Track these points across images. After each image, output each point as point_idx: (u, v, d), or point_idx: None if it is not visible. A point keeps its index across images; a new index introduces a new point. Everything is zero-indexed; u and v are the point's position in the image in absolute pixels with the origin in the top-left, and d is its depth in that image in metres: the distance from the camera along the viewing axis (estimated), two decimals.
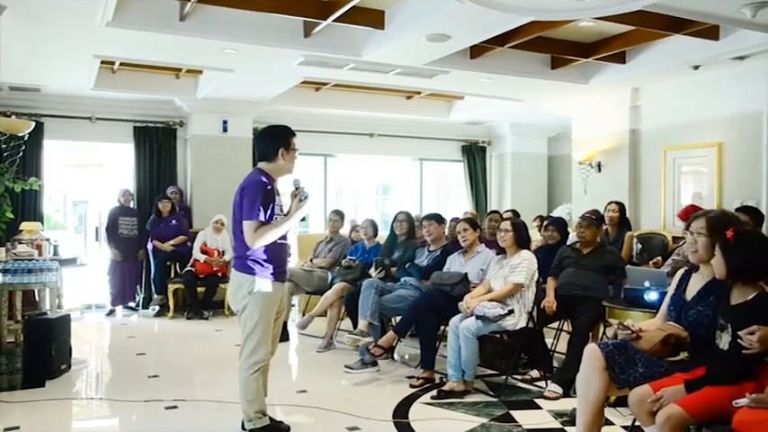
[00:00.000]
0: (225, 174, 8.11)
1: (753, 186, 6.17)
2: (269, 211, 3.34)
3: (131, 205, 7.83)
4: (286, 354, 5.81)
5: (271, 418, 3.53)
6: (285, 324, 6.25)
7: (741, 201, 5.91)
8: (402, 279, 5.33)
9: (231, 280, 3.52)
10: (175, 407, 4.12)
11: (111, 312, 7.60)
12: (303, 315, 6.45)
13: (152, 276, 7.72)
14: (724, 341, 2.54)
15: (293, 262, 6.93)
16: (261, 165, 3.49)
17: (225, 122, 8.24)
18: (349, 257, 6.15)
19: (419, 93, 8.43)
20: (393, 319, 5.48)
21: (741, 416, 2.08)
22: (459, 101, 9.01)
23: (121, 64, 6.81)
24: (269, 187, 3.35)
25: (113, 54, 6.12)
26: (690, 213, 5.08)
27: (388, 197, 11.95)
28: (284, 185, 3.58)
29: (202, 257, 7.41)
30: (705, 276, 2.82)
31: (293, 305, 6.54)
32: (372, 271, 5.53)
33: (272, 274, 3.38)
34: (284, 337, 6.15)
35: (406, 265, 5.43)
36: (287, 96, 7.88)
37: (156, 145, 8.27)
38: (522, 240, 4.57)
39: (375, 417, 3.88)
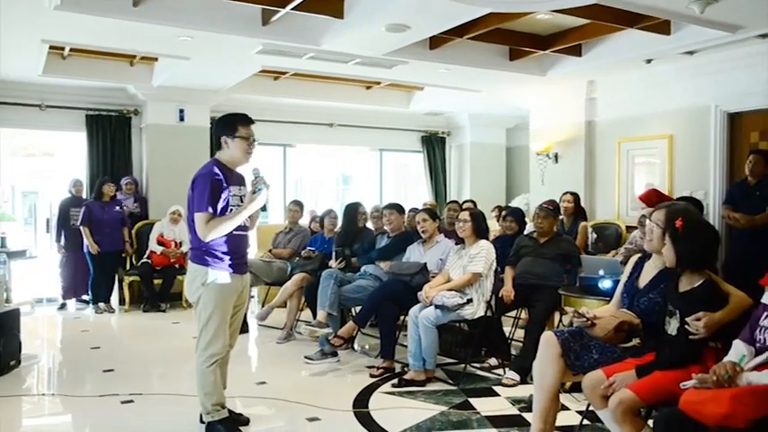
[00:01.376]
0: (182, 164, 7.94)
1: (701, 177, 6.37)
2: (222, 203, 3.27)
3: (83, 196, 7.60)
4: (245, 345, 5.76)
5: (230, 411, 3.50)
6: (245, 315, 6.20)
7: (690, 191, 6.10)
8: (362, 269, 5.34)
9: (188, 272, 3.46)
10: (131, 401, 4.05)
11: (63, 306, 7.40)
12: (262, 306, 6.41)
13: (90, 280, 7.24)
14: (672, 327, 2.63)
15: (252, 253, 6.86)
16: (216, 154, 3.44)
17: (181, 111, 8.06)
18: (308, 248, 6.13)
19: (379, 83, 8.41)
20: (353, 310, 5.49)
21: (687, 396, 2.16)
22: (418, 91, 9.03)
23: (72, 50, 6.59)
24: (218, 177, 3.26)
25: (63, 39, 5.92)
26: (652, 197, 5.24)
27: (349, 187, 11.94)
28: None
29: (159, 249, 7.27)
30: (657, 265, 2.91)
31: (252, 296, 6.49)
32: (332, 261, 5.53)
33: (229, 265, 3.32)
34: (244, 328, 6.09)
35: (368, 252, 5.44)
36: (245, 85, 7.77)
37: (110, 134, 8.04)
38: (480, 230, 4.62)
39: (335, 407, 3.89)
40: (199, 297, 3.31)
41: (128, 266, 7.53)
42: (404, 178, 11.55)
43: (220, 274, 3.29)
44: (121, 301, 7.34)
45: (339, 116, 9.65)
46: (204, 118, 8.22)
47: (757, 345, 2.22)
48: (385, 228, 5.48)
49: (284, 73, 7.75)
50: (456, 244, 4.83)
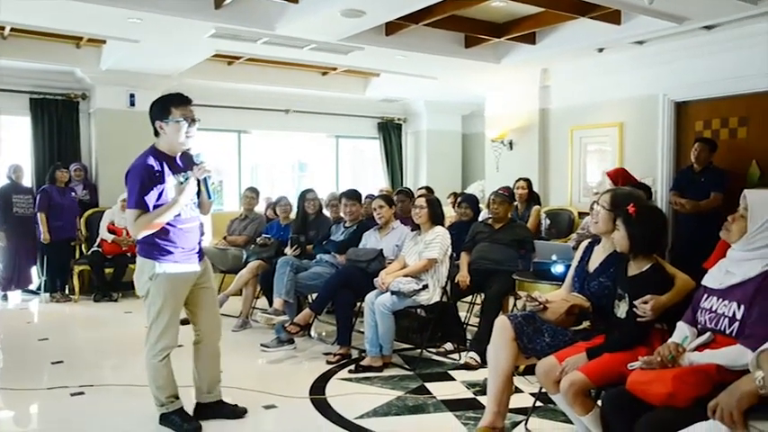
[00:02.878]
0: (133, 150, 7.45)
1: (650, 164, 6.55)
2: (159, 195, 3.07)
3: (24, 182, 7.34)
4: None
5: (225, 402, 3.51)
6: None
7: (640, 177, 6.25)
8: (317, 256, 5.32)
9: (137, 265, 3.29)
10: (82, 393, 3.96)
11: (4, 297, 7.15)
12: (218, 294, 6.32)
13: (43, 269, 7.07)
14: (621, 310, 2.70)
15: (207, 240, 6.76)
16: (154, 142, 3.22)
17: (132, 96, 7.84)
18: (264, 235, 6.07)
19: (335, 69, 8.35)
20: (309, 297, 5.47)
21: (633, 377, 2.22)
22: (374, 78, 9.01)
23: (13, 29, 6.33)
24: (152, 169, 3.06)
25: (2, 18, 5.67)
26: (619, 174, 5.38)
27: (305, 174, 11.84)
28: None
29: (110, 237, 7.09)
30: (606, 249, 2.98)
31: None
32: (288, 249, 5.49)
33: (178, 258, 3.18)
34: None
35: (323, 243, 5.42)
36: (198, 70, 7.60)
37: (56, 119, 7.78)
38: (436, 216, 4.65)
39: (292, 394, 3.88)
40: (148, 290, 3.18)
41: (77, 255, 7.32)
42: (360, 165, 11.53)
43: (168, 266, 3.15)
44: (71, 291, 7.14)
45: (295, 102, 9.55)
46: None
47: (699, 326, 2.30)
48: (342, 216, 5.46)
49: (238, 58, 7.62)
50: (412, 230, 4.85)
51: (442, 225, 4.72)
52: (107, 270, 7.09)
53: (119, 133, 7.72)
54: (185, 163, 3.26)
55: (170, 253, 3.16)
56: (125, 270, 7.14)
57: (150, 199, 3.05)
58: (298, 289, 5.06)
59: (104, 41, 6.85)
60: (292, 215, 6.22)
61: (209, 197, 3.33)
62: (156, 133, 3.19)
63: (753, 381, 1.56)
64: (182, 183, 3.16)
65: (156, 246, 3.14)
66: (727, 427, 1.59)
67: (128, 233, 7.13)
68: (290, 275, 4.98)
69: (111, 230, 7.15)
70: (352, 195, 5.44)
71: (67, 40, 6.87)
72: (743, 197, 2.23)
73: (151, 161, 3.09)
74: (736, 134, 6.07)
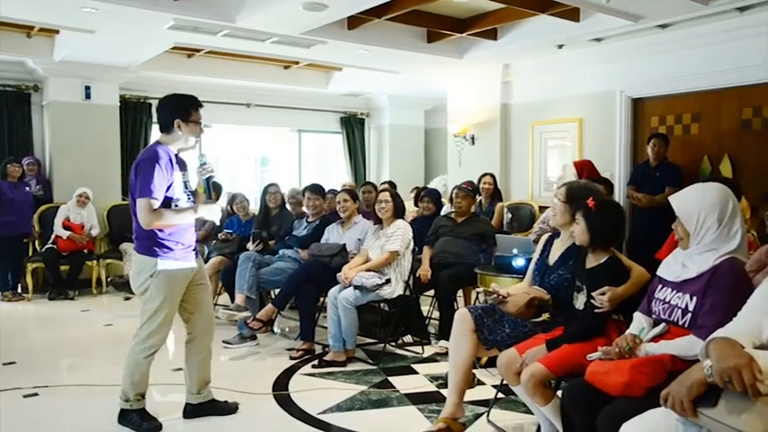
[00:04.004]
0: (89, 144, 7.61)
1: (608, 159, 6.69)
2: (168, 189, 3.11)
3: None
4: None
5: (216, 400, 3.47)
6: None
7: (600, 172, 6.38)
8: (280, 252, 5.28)
9: (133, 262, 3.28)
10: (36, 394, 3.85)
11: None
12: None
13: None
14: (580, 302, 2.75)
15: None
16: (160, 137, 3.24)
17: (87, 88, 7.63)
18: (225, 231, 5.99)
19: (297, 63, 8.28)
20: (272, 293, 5.43)
21: (592, 368, 2.27)
22: (337, 72, 8.96)
23: None
24: (165, 162, 3.08)
25: None
26: (585, 166, 5.47)
27: (267, 169, 11.73)
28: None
29: (65, 233, 6.90)
30: (565, 242, 3.04)
31: None
32: (250, 244, 5.44)
33: (179, 255, 3.18)
34: None
35: (286, 238, 5.39)
36: (157, 62, 7.44)
37: (7, 111, 7.52)
38: (399, 210, 4.67)
39: (255, 391, 3.85)
40: (146, 288, 3.15)
41: (30, 252, 7.10)
42: (323, 159, 11.48)
43: (169, 263, 3.14)
44: (24, 289, 6.93)
45: (256, 96, 9.44)
46: (113, 96, 7.84)
47: (654, 316, 2.36)
48: (305, 211, 5.43)
49: (198, 50, 7.49)
50: (374, 224, 4.85)
51: (403, 218, 4.74)
52: (63, 267, 6.91)
53: (74, 127, 7.53)
54: (183, 163, 3.30)
55: (171, 250, 3.15)
56: (82, 267, 6.98)
57: (162, 191, 3.07)
58: (260, 285, 5.02)
59: (57, 31, 6.64)
60: (253, 210, 6.15)
61: (209, 198, 3.39)
62: (165, 129, 3.21)
63: (702, 370, 1.61)
64: (185, 180, 3.24)
65: (157, 243, 3.12)
66: (677, 414, 1.64)
67: (82, 228, 7.00)
68: (252, 271, 4.94)
69: (66, 227, 6.96)
70: (316, 189, 5.42)
71: (18, 29, 6.63)
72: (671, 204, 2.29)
73: (162, 153, 3.12)
74: (689, 130, 6.24)
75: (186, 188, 3.27)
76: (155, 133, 8.61)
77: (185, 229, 3.23)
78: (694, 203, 2.22)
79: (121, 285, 6.48)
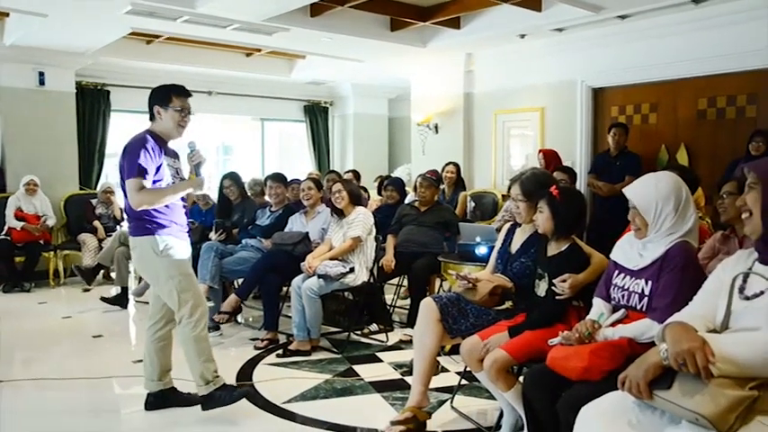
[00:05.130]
0: (43, 132, 7.38)
1: (570, 148, 6.79)
2: (156, 172, 3.12)
3: None
4: (123, 322, 5.50)
5: (178, 390, 3.42)
6: (126, 289, 5.93)
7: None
8: (243, 241, 5.23)
9: (132, 248, 3.25)
10: None
11: None
12: (140, 282, 6.13)
13: None
14: (541, 289, 2.79)
15: (125, 225, 6.51)
16: (150, 126, 3.27)
17: (41, 74, 7.38)
18: (187, 220, 5.88)
19: (259, 50, 8.17)
20: (235, 282, 5.38)
21: (552, 353, 2.31)
22: (300, 60, 8.87)
23: None
24: (152, 145, 3.12)
25: None
26: (552, 155, 5.53)
27: (230, 158, 11.58)
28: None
29: (19, 224, 6.70)
30: (527, 231, 3.07)
31: (129, 272, 6.18)
32: (212, 234, 5.37)
33: (176, 231, 3.20)
34: (123, 303, 5.83)
35: (249, 227, 5.33)
36: (115, 48, 7.24)
37: None
38: (355, 197, 4.67)
39: None
40: (157, 270, 3.16)
41: None
42: (287, 148, 11.38)
43: (170, 239, 3.15)
44: None
45: (218, 84, 9.29)
46: (68, 82, 7.61)
47: (612, 303, 2.41)
48: (268, 200, 5.38)
49: (158, 36, 7.32)
50: (333, 215, 4.82)
51: (363, 205, 4.74)
52: (17, 259, 6.72)
53: (27, 114, 7.29)
54: (173, 152, 3.35)
55: (166, 227, 3.16)
56: (38, 259, 6.80)
57: (151, 172, 3.09)
58: (223, 274, 4.97)
59: (7, 14, 6.41)
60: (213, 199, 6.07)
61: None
62: (152, 117, 3.26)
63: (657, 353, 1.65)
64: (177, 167, 3.29)
65: (153, 221, 3.13)
66: (634, 396, 1.68)
67: (39, 219, 6.81)
68: (214, 261, 4.88)
69: (19, 217, 6.76)
70: (277, 178, 5.39)
71: None
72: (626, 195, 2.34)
73: (150, 139, 3.16)
74: (647, 120, 6.38)
75: (178, 175, 3.30)
76: (114, 121, 8.42)
77: (176, 208, 3.25)
78: (651, 194, 2.27)
79: (85, 273, 6.37)
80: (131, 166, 3.06)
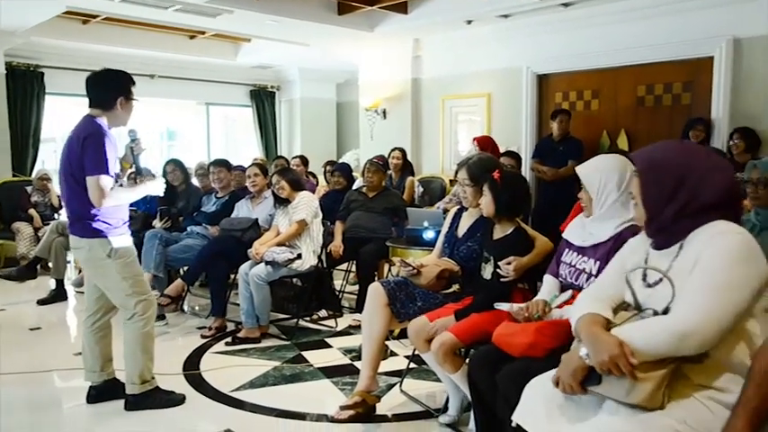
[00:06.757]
0: None
1: (515, 133, 6.90)
2: (114, 167, 3.03)
3: None
4: (62, 314, 5.32)
5: (161, 389, 3.31)
6: (61, 282, 5.71)
7: (506, 146, 6.57)
8: (188, 228, 5.12)
9: (77, 248, 3.12)
10: None
11: None
12: (79, 272, 5.93)
13: None
14: (487, 272, 2.84)
15: (63, 214, 6.28)
16: (92, 112, 3.09)
17: None
18: (129, 208, 5.72)
19: (203, 33, 7.98)
20: (181, 271, 5.27)
21: (499, 330, 2.35)
22: (246, 43, 8.71)
23: None
24: (112, 138, 3.02)
25: None
26: (488, 142, 5.57)
27: (174, 143, 11.31)
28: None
29: None
30: (473, 215, 3.11)
31: (68, 261, 5.97)
32: (156, 221, 5.24)
33: (124, 230, 3.13)
34: (62, 296, 5.61)
35: (194, 214, 5.22)
36: (48, 27, 6.93)
37: None
38: (295, 183, 4.63)
39: (164, 371, 3.71)
40: (106, 271, 3.07)
41: None
42: (233, 134, 11.19)
43: (118, 239, 3.07)
44: None
45: (161, 67, 9.03)
46: None
47: (560, 279, 2.47)
48: (213, 186, 5.28)
49: (95, 16, 7.05)
50: (276, 206, 4.77)
51: (305, 189, 4.73)
52: None
53: None
54: None
55: (116, 227, 3.08)
56: None
57: (113, 167, 3.01)
58: (168, 263, 4.86)
59: None
60: None
61: (140, 173, 3.30)
62: (102, 105, 3.09)
63: (580, 358, 1.70)
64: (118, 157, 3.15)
65: (103, 222, 3.03)
66: (570, 394, 1.74)
67: None
68: (158, 249, 4.77)
69: None
70: (219, 162, 5.32)
71: None
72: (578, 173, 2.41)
73: (107, 131, 3.04)
74: (590, 106, 6.54)
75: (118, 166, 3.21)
76: (48, 104, 8.08)
77: (124, 205, 3.18)
78: (596, 168, 2.35)
79: (25, 273, 6.14)
80: (95, 163, 2.92)
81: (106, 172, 2.94)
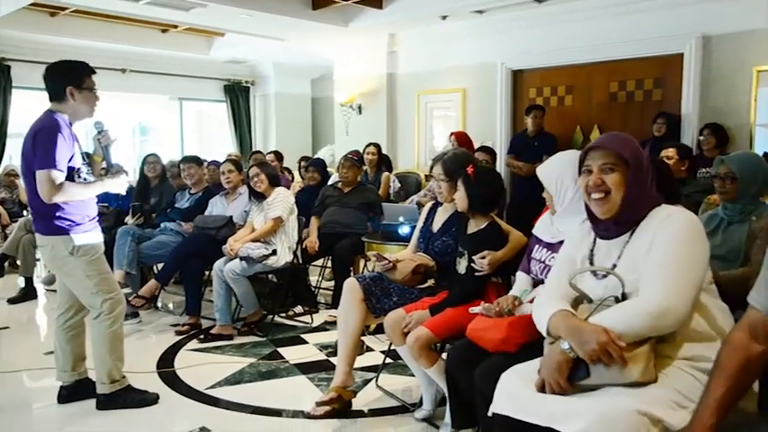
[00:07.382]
0: None
1: (490, 128, 6.94)
2: (71, 159, 2.93)
3: None
4: (32, 313, 5.22)
5: (134, 388, 3.25)
6: (30, 280, 5.60)
7: (481, 141, 6.61)
8: (161, 225, 5.06)
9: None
10: None
11: None
12: (49, 270, 5.83)
13: None
14: (462, 266, 2.85)
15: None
16: (52, 106, 3.00)
17: None
18: (101, 204, 5.63)
19: (176, 26, 7.87)
20: (154, 267, 5.21)
21: (472, 325, 2.37)
22: (219, 38, 8.62)
23: None
24: (66, 132, 2.91)
25: None
26: (461, 137, 5.60)
27: (147, 139, 11.16)
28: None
29: None
30: (448, 210, 3.12)
31: (38, 259, 5.86)
32: (129, 218, 5.16)
33: (90, 227, 3.04)
34: (31, 295, 5.51)
35: (167, 211, 5.17)
36: (13, 19, 6.74)
37: None
38: (273, 178, 4.61)
39: (138, 369, 3.67)
40: (70, 269, 3.00)
41: None
42: (206, 129, 11.07)
43: (83, 237, 2.98)
44: None
45: (133, 61, 8.89)
46: None
47: (532, 275, 2.49)
48: (186, 182, 5.23)
49: (63, 8, 6.90)
50: (252, 200, 4.74)
51: (281, 185, 4.71)
52: None
53: None
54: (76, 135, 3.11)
55: (80, 224, 2.99)
56: None
57: (65, 162, 2.90)
58: (141, 260, 4.80)
59: None
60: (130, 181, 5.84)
61: (111, 167, 3.21)
62: (56, 98, 3.00)
63: (561, 351, 1.71)
64: (82, 152, 3.08)
65: (65, 218, 2.95)
66: (558, 394, 1.72)
67: None
68: (131, 246, 4.71)
69: None
70: (188, 159, 5.28)
71: None
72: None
73: (63, 123, 2.94)
74: (563, 102, 6.60)
75: (85, 160, 3.11)
76: (15, 99, 7.92)
77: (89, 200, 3.08)
78: (552, 168, 2.39)
79: None
80: (45, 157, 2.83)
81: (54, 166, 2.84)
